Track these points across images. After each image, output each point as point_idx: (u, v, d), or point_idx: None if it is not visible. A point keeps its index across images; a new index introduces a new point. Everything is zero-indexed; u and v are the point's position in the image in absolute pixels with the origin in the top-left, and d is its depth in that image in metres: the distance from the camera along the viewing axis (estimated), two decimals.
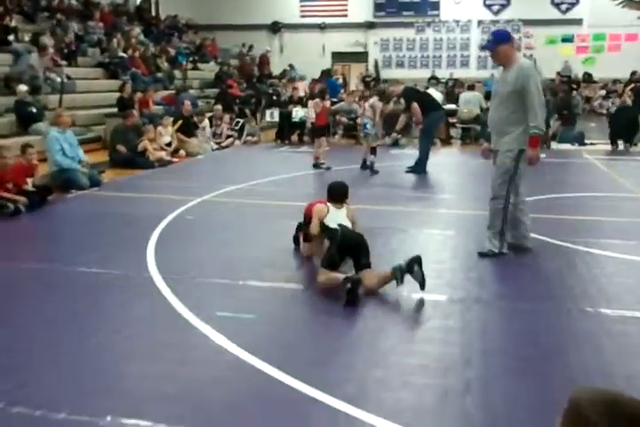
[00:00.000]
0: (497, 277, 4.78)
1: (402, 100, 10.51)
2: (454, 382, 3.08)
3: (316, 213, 4.80)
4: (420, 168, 9.68)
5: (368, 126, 9.97)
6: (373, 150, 9.84)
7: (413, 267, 4.20)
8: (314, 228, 4.75)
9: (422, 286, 4.20)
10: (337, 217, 4.71)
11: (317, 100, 10.61)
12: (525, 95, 4.87)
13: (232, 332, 3.60)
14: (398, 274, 4.19)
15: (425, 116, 9.83)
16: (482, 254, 5.18)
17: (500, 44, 5.03)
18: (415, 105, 9.75)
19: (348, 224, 4.69)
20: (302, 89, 16.40)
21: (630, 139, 12.34)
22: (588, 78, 22.63)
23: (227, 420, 2.74)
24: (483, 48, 5.55)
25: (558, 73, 22.29)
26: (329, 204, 4.84)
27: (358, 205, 5.54)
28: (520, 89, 4.87)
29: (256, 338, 3.59)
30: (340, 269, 4.48)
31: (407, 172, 9.66)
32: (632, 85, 14.48)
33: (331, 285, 4.29)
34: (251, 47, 23.58)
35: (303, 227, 5.15)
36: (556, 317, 3.93)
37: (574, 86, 20.67)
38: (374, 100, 10.24)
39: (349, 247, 4.50)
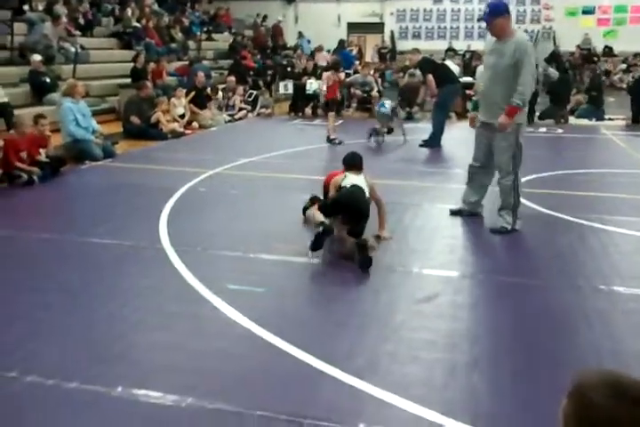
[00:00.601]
0: (509, 254, 4.76)
1: (417, 72, 10.35)
2: (462, 357, 3.08)
3: (333, 184, 4.89)
4: (434, 142, 9.59)
5: (387, 105, 9.83)
6: (390, 129, 9.84)
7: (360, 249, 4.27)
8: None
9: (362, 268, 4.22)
10: (354, 180, 4.78)
11: (330, 72, 10.47)
12: (520, 69, 4.85)
13: (243, 305, 3.62)
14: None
15: (440, 89, 9.69)
16: (494, 231, 5.16)
17: (496, 16, 4.99)
18: (430, 77, 9.61)
19: (366, 188, 4.73)
20: (324, 60, 16.06)
21: None
22: (608, 52, 22.16)
23: (236, 392, 2.76)
24: (479, 20, 5.50)
25: (578, 46, 21.86)
26: (346, 172, 4.90)
27: (372, 180, 5.49)
28: (517, 62, 4.86)
29: (266, 311, 3.61)
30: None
31: (421, 146, 9.57)
32: None
33: (309, 222, 4.87)
34: (265, 17, 23.28)
35: (321, 199, 5.22)
36: (568, 294, 3.91)
37: (595, 59, 20.30)
38: (328, 73, 10.25)
39: (346, 206, 4.59)
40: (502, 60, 4.95)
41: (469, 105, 13.78)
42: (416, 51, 10.66)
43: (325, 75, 10.52)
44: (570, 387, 1.26)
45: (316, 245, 4.35)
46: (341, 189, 4.75)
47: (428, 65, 10.02)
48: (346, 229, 4.65)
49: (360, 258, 4.25)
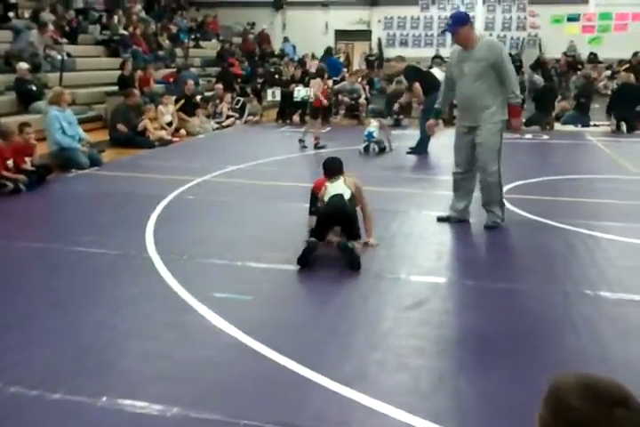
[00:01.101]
0: (497, 260, 4.77)
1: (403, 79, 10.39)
2: (450, 364, 3.08)
3: (320, 196, 4.94)
4: (421, 149, 9.62)
5: (374, 134, 9.60)
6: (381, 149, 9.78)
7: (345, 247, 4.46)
8: None
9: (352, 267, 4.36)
10: (333, 189, 4.83)
11: (318, 79, 10.50)
12: (501, 68, 5.11)
13: (230, 313, 3.60)
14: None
15: (427, 97, 9.71)
16: (489, 227, 5.34)
17: (460, 26, 5.23)
18: (417, 85, 9.65)
19: (346, 192, 4.80)
20: (314, 67, 16.00)
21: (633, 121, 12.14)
22: (593, 58, 22.36)
23: (222, 401, 2.74)
24: (443, 32, 5.98)
25: (564, 53, 22.04)
26: (326, 183, 4.94)
27: (358, 182, 5.51)
28: (495, 62, 5.09)
29: (254, 319, 3.59)
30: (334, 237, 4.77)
31: (408, 153, 9.60)
32: (626, 66, 14.21)
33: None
34: (253, 25, 23.31)
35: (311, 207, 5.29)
36: (556, 300, 3.92)
37: (579, 67, 20.48)
38: (317, 80, 10.27)
39: (333, 217, 4.69)
40: (478, 65, 5.12)
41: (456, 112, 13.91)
42: (400, 58, 10.70)
43: (313, 82, 10.53)
44: (546, 391, 1.26)
45: (302, 261, 4.40)
46: (325, 204, 4.80)
47: (413, 73, 10.06)
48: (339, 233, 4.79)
49: (347, 259, 4.35)
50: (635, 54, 18.02)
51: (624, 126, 12.03)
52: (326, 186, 4.90)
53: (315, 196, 5.18)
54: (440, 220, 5.61)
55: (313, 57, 17.88)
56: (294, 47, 21.76)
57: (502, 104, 5.26)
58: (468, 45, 5.23)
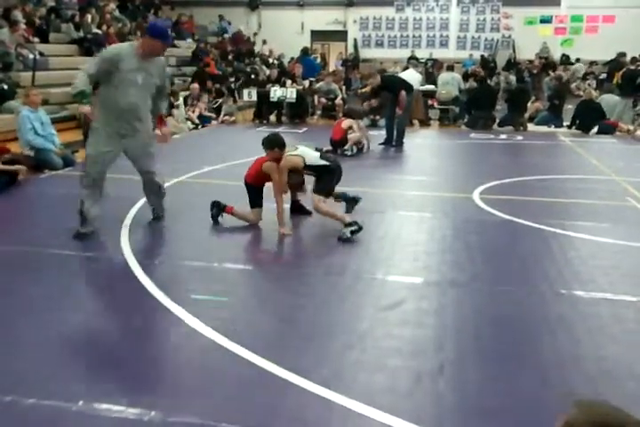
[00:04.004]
0: (472, 260, 4.80)
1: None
2: (428, 364, 3.10)
3: (290, 166, 5.26)
4: (399, 140, 10.29)
5: (351, 150, 9.56)
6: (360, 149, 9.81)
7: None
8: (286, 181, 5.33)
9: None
10: (306, 152, 5.33)
11: (348, 119, 9.75)
12: (165, 86, 5.37)
13: (206, 315, 3.58)
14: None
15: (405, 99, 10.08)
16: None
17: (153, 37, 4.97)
18: (403, 93, 9.92)
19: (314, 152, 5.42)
20: (298, 69, 15.80)
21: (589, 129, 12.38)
22: (565, 60, 22.68)
23: (200, 403, 2.72)
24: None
25: (537, 54, 22.31)
26: (293, 152, 5.30)
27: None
28: (162, 81, 5.22)
29: (230, 321, 3.57)
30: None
31: (395, 145, 10.25)
32: (624, 70, 14.38)
33: (333, 217, 5.22)
34: (228, 24, 23.22)
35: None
36: (531, 299, 3.96)
37: (552, 68, 20.73)
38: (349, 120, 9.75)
39: (340, 169, 5.44)
40: (151, 79, 5.10)
41: (431, 113, 14.02)
42: (374, 73, 11.02)
43: (349, 121, 9.68)
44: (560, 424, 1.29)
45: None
46: (332, 161, 5.39)
47: (396, 83, 10.36)
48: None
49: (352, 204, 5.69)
50: (622, 55, 17.97)
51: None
52: (292, 155, 5.24)
53: (258, 186, 5.49)
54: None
55: (296, 61, 17.74)
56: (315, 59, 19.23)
57: (154, 116, 5.39)
58: (149, 57, 5.01)
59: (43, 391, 2.77)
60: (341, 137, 9.44)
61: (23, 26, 12.66)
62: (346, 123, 9.55)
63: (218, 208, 5.55)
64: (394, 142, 10.34)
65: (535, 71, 20.07)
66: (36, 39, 13.29)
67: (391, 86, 10.28)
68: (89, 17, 15.31)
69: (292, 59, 18.29)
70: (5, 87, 10.21)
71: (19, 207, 6.47)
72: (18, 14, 13.05)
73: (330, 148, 9.15)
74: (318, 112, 14.24)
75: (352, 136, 9.49)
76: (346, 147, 9.40)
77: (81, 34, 14.81)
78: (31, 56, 11.91)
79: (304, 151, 5.30)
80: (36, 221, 5.95)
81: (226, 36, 21.90)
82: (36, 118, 7.91)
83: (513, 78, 17.34)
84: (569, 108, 13.80)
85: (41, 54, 12.53)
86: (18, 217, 6.16)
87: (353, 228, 5.04)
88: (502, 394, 2.85)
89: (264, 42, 22.43)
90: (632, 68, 14.72)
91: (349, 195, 5.72)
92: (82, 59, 14.00)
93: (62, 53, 14.01)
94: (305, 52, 18.54)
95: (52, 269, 4.40)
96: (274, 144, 5.25)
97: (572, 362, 3.14)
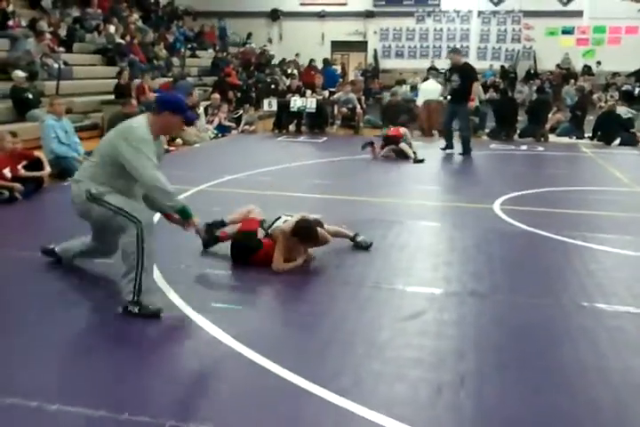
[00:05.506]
0: (493, 271, 4.77)
1: (399, 90, 10.56)
2: (448, 375, 3.07)
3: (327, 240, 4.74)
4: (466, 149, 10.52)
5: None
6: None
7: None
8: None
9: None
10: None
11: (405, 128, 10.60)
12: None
13: (226, 323, 3.58)
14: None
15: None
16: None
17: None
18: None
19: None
20: (318, 79, 15.89)
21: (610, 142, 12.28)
22: (587, 71, 22.55)
23: (219, 412, 2.73)
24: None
25: (557, 65, 22.22)
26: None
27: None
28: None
29: (250, 329, 3.58)
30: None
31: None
32: None
33: (341, 235, 5.10)
34: (249, 35, 23.44)
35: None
36: (552, 311, 3.92)
37: (573, 79, 20.62)
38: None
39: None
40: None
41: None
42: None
43: (403, 129, 10.48)
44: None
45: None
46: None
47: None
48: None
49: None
50: None
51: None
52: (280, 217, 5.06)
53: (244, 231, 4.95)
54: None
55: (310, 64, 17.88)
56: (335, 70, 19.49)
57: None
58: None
59: (67, 397, 2.78)
60: (397, 135, 10.13)
61: (49, 35, 12.88)
62: (403, 129, 10.35)
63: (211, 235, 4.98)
64: (462, 152, 10.47)
65: (555, 82, 19.99)
66: (61, 49, 13.51)
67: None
68: (112, 27, 15.55)
69: (311, 61, 18.35)
70: (30, 96, 10.39)
71: (42, 214, 6.55)
72: (43, 24, 13.29)
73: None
74: (338, 122, 14.27)
75: (402, 145, 10.00)
76: (411, 155, 9.87)
77: (104, 44, 15.03)
78: (56, 65, 12.11)
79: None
80: (58, 227, 6.00)
81: (247, 47, 22.08)
82: (61, 127, 8.02)
83: (526, 89, 17.28)
84: (591, 119, 13.70)
85: (65, 64, 12.74)
86: (42, 223, 6.23)
87: (361, 236, 5.10)
88: (523, 405, 2.81)
89: (297, 55, 22.49)
90: None
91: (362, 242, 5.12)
92: (104, 68, 14.25)
93: (86, 63, 14.24)
94: (327, 62, 18.66)
95: (71, 276, 4.44)
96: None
97: (595, 373, 3.10)
